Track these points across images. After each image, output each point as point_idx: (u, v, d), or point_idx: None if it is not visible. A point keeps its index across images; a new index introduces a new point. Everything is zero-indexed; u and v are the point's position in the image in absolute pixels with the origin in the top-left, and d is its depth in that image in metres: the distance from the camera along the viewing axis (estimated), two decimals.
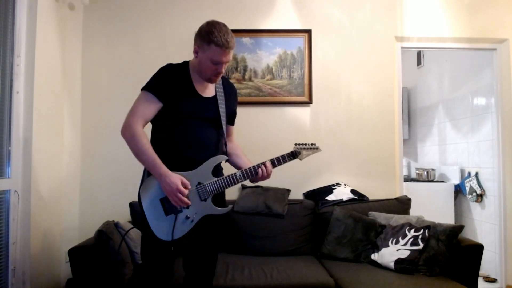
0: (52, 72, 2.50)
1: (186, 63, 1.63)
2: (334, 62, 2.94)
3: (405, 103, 4.41)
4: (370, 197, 2.75)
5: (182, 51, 2.86)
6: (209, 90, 1.63)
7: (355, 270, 2.16)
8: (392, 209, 2.59)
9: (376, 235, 2.37)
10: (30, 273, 2.18)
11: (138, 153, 1.47)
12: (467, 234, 3.46)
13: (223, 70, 1.55)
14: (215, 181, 1.52)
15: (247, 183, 2.76)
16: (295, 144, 1.65)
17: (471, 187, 3.45)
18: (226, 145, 1.67)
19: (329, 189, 2.76)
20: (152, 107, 1.52)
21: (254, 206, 2.56)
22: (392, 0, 2.98)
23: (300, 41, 2.90)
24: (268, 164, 1.56)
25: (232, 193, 2.81)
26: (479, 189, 3.34)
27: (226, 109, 1.64)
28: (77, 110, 2.80)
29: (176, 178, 1.43)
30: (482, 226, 3.36)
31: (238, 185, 2.78)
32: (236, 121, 1.82)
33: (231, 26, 2.80)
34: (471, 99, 3.52)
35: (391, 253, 2.19)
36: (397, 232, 2.26)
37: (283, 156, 1.60)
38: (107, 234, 1.98)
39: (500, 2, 3.00)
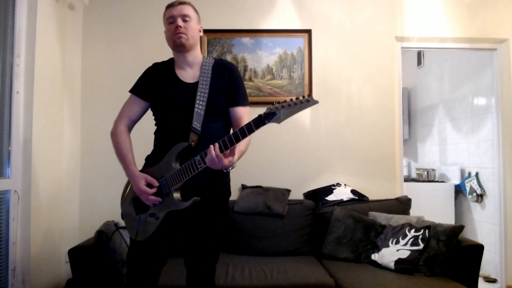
0: (52, 72, 2.50)
1: (171, 58, 1.66)
2: (334, 62, 2.94)
3: (405, 103, 4.41)
4: (370, 197, 2.75)
5: None
6: (192, 76, 1.56)
7: (355, 270, 2.15)
8: (392, 209, 2.59)
9: (376, 235, 2.36)
10: (30, 273, 2.18)
11: (116, 153, 1.53)
12: (467, 234, 3.46)
13: (180, 23, 1.50)
14: (174, 172, 1.38)
15: (247, 183, 2.80)
16: (272, 104, 1.25)
17: (471, 187, 3.45)
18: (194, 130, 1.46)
19: (329, 189, 2.76)
20: (136, 106, 1.58)
21: (254, 206, 2.56)
22: (392, 0, 2.97)
23: (300, 41, 2.90)
24: (211, 148, 1.27)
25: (232, 193, 2.79)
26: (479, 189, 3.34)
27: (209, 93, 1.49)
28: (77, 110, 2.80)
29: (140, 179, 1.42)
30: (482, 226, 3.36)
31: (238, 185, 2.79)
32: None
33: (231, 26, 2.90)
34: (471, 99, 3.52)
35: (391, 253, 2.18)
36: (397, 232, 2.26)
37: (241, 130, 1.25)
38: (107, 234, 1.98)
39: (500, 2, 3.00)
